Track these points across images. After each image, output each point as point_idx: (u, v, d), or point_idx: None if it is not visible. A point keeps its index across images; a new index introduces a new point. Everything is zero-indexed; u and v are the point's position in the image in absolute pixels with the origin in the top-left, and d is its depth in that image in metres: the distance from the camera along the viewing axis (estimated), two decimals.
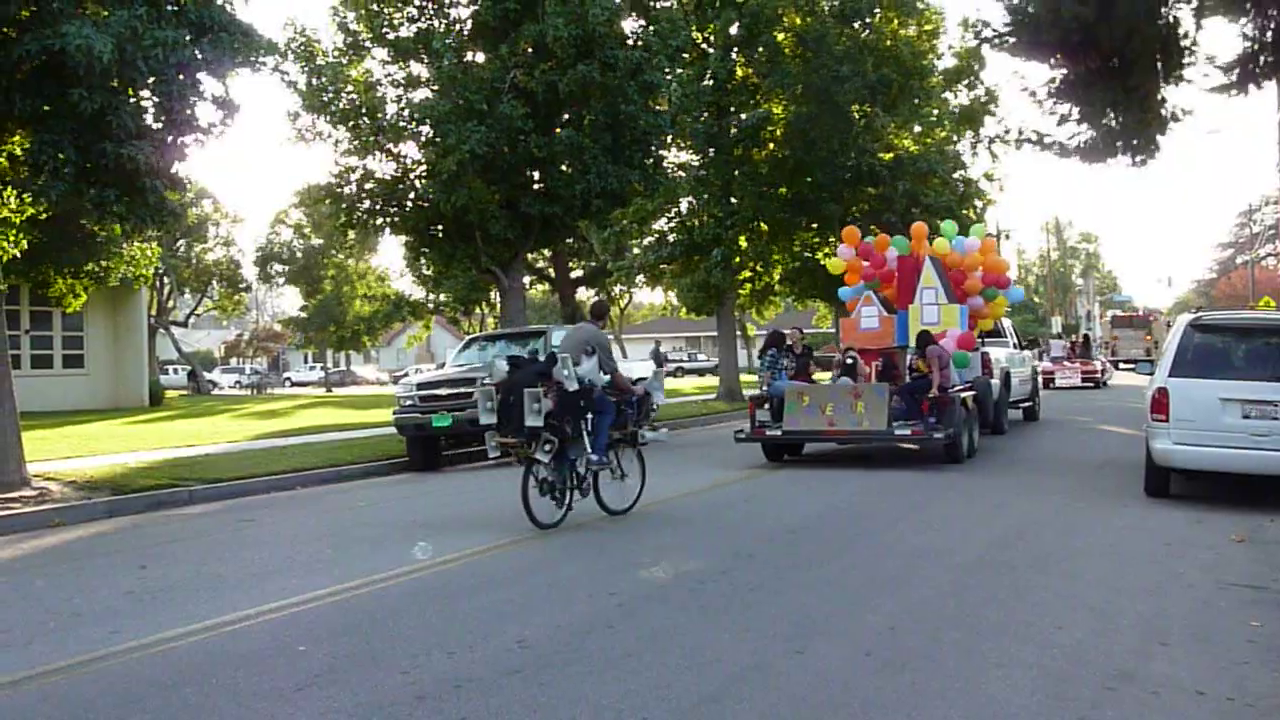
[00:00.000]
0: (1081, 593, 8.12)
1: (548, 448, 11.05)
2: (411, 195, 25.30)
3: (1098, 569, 8.95)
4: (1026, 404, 25.72)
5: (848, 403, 16.34)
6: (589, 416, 11.47)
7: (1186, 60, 28.28)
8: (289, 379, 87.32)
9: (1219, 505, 12.28)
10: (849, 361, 18.07)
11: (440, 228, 25.72)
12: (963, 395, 17.48)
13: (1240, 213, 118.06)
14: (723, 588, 8.35)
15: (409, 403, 19.41)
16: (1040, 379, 28.98)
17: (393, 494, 15.90)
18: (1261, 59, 29.07)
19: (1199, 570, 8.93)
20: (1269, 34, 28.66)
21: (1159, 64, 27.63)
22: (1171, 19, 27.87)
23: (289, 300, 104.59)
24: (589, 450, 11.50)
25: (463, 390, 18.87)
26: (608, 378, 11.89)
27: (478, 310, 55.04)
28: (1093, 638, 6.85)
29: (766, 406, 18.06)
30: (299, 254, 66.70)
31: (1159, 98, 28.42)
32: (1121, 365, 56.49)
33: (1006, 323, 26.05)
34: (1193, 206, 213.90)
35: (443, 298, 39.34)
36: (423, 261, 28.59)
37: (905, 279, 19.88)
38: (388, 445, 20.92)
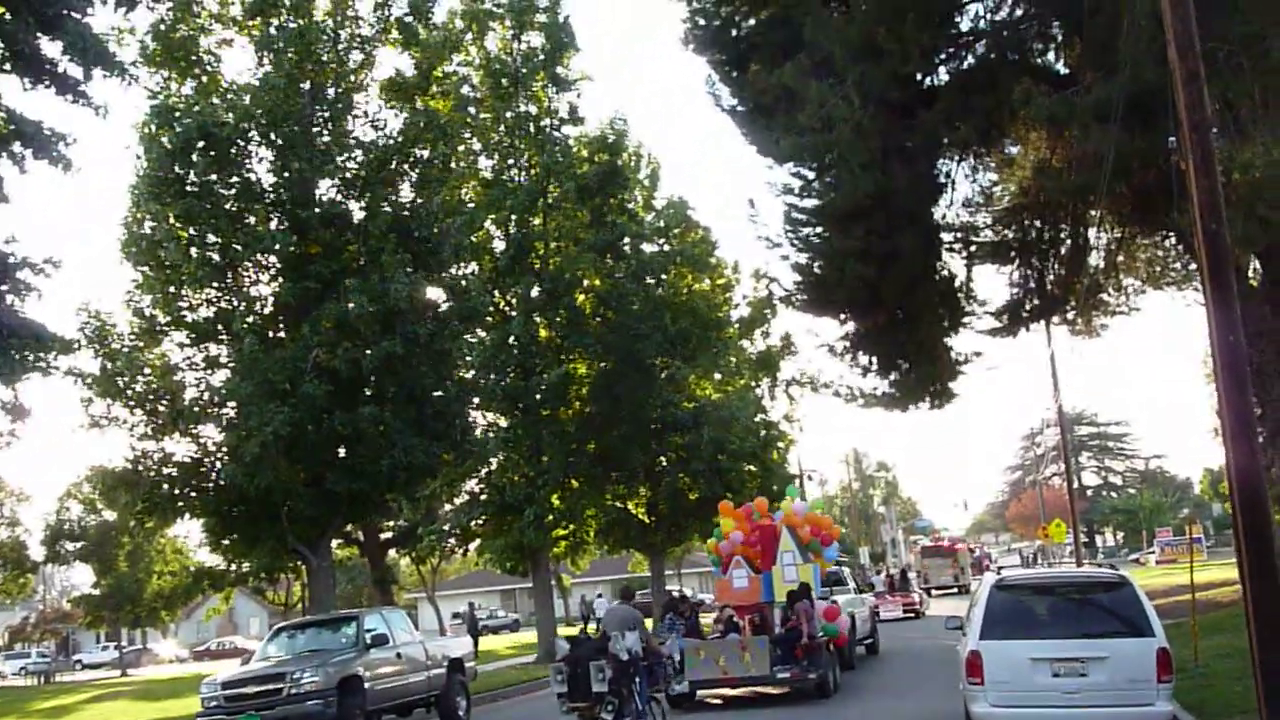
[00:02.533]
0: None
1: (610, 708, 13.81)
2: (213, 477, 24.60)
3: None
4: (868, 640, 28.26)
5: (736, 654, 19.55)
6: (636, 680, 14.36)
7: (966, 309, 30.17)
8: (80, 661, 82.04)
9: None
10: (732, 618, 21.35)
11: (244, 508, 24.96)
12: (826, 640, 20.60)
13: (1024, 436, 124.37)
14: None
15: (214, 704, 18.38)
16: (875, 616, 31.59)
17: None
18: (1029, 304, 31.23)
19: None
20: (1033, 282, 30.89)
21: (941, 315, 29.38)
22: (947, 272, 29.81)
23: (80, 575, 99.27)
24: (638, 705, 14.32)
25: (271, 687, 18.03)
26: (643, 645, 14.83)
27: (283, 578, 53.00)
28: None
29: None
30: (91, 530, 63.65)
31: (945, 345, 30.11)
32: (934, 592, 58.49)
33: (846, 570, 30.66)
34: (983, 433, 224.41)
35: (245, 567, 37.84)
36: (225, 543, 27.64)
37: (766, 545, 22.84)
38: None
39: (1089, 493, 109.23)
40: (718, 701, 21.05)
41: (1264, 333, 24.23)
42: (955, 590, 61.30)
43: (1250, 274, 25.93)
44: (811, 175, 27.49)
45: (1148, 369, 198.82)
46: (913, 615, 45.46)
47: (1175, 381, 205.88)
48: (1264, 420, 24.03)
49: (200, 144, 23.89)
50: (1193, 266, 28.77)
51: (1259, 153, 20.87)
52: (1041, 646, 12.42)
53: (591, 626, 16.42)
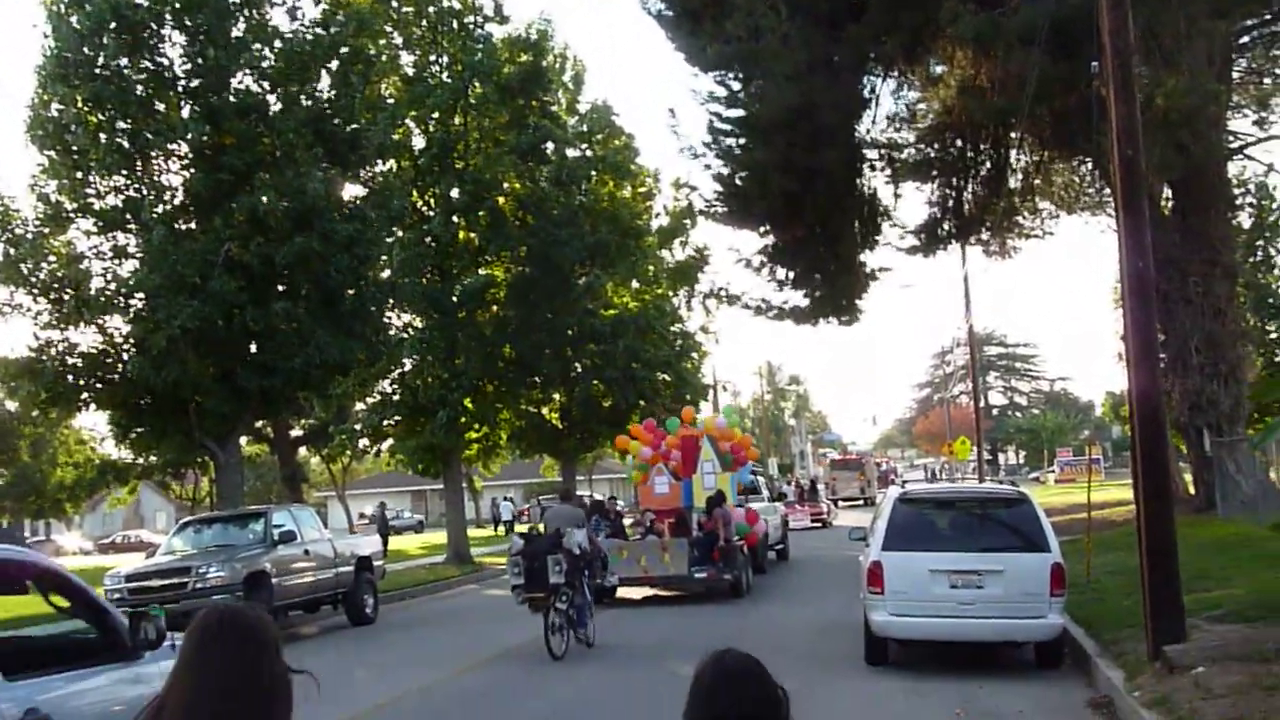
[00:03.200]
0: None
1: (565, 598, 15.13)
2: (119, 369, 24.14)
3: None
4: (779, 546, 29.47)
5: (657, 554, 21.06)
6: (585, 573, 15.93)
7: (884, 225, 30.40)
8: None
9: (935, 672, 12.79)
10: (654, 522, 23.10)
11: (150, 401, 24.59)
12: (740, 544, 22.03)
13: (935, 355, 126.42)
14: None
15: (117, 596, 18.20)
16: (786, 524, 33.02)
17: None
18: (946, 224, 31.55)
19: None
20: (951, 201, 31.17)
21: (860, 231, 29.57)
22: (868, 188, 29.95)
23: None
24: (586, 595, 15.97)
25: (176, 581, 17.92)
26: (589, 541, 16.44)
27: (191, 472, 52.43)
28: None
29: None
30: None
31: (860, 260, 30.36)
32: (840, 503, 60.09)
33: (760, 480, 32.36)
34: (894, 350, 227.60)
35: (152, 460, 37.39)
36: (131, 436, 27.23)
37: (688, 454, 24.30)
38: None
39: (995, 412, 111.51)
40: (637, 598, 22.25)
41: (1172, 260, 24.75)
42: (861, 502, 62.93)
43: (1163, 202, 26.42)
44: (737, 85, 27.36)
45: (1057, 292, 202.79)
46: (820, 525, 46.87)
47: (1083, 306, 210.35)
48: (1166, 346, 24.64)
49: (112, 26, 23.06)
50: (1107, 192, 29.22)
51: (1185, 80, 21.11)
52: (941, 559, 12.70)
53: (541, 526, 18.07)
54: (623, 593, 21.81)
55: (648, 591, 22.58)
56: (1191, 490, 27.77)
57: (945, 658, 13.25)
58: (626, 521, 26.39)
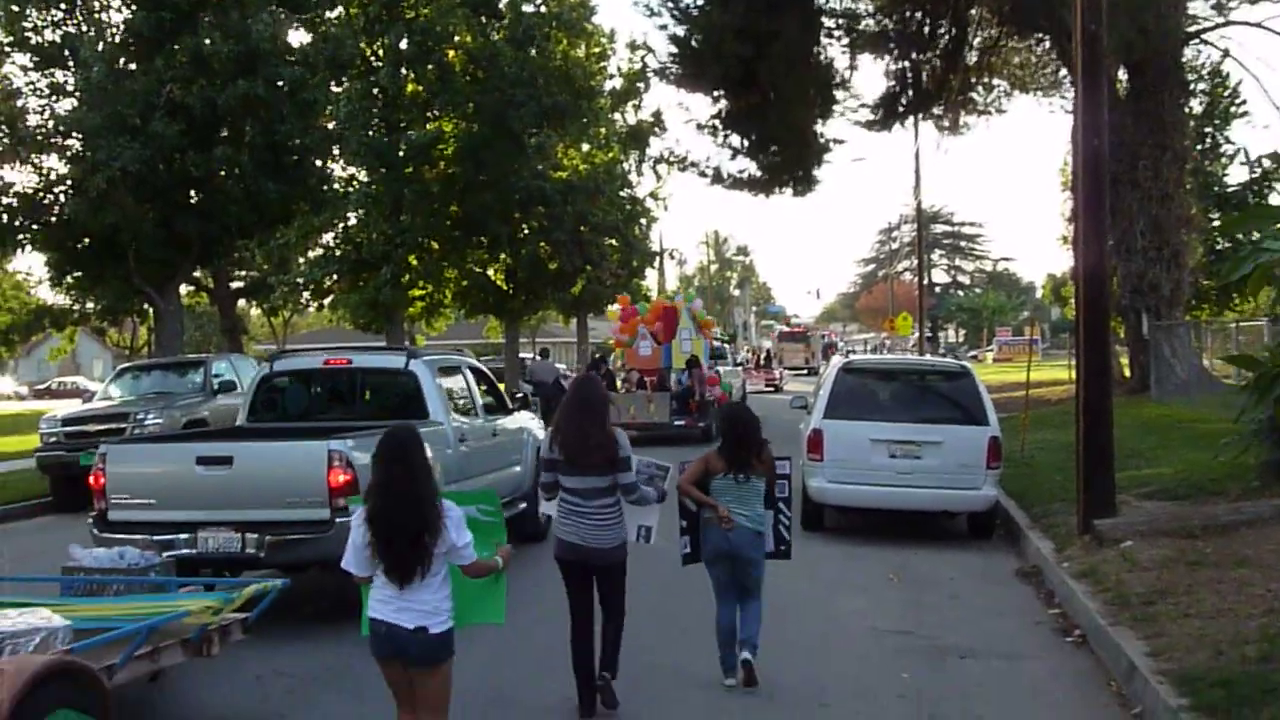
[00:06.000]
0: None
1: None
2: (56, 210, 23.54)
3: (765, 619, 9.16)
4: None
5: (644, 405, 25.32)
6: None
7: (839, 96, 30.11)
8: None
9: (869, 539, 13.01)
10: (640, 378, 26.97)
11: (88, 244, 24.08)
12: (711, 398, 25.79)
13: (881, 230, 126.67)
14: None
15: (54, 440, 18.05)
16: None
17: (38, 545, 14.73)
18: (904, 98, 31.32)
19: (856, 616, 9.45)
20: (909, 75, 30.88)
21: (815, 100, 29.28)
22: (824, 58, 29.59)
23: None
24: None
25: (114, 426, 17.72)
26: None
27: (129, 320, 51.70)
28: (760, 704, 7.12)
29: None
30: None
31: (815, 131, 30.12)
32: (787, 371, 63.63)
33: (727, 348, 38.11)
34: (840, 223, 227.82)
35: (90, 306, 36.80)
36: (68, 280, 26.81)
37: (668, 322, 28.20)
38: (29, 483, 19.34)
39: (937, 289, 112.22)
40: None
41: (1123, 143, 24.76)
42: (805, 372, 65.85)
43: (1118, 83, 26.34)
44: None
45: (1005, 173, 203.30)
46: (773, 390, 50.21)
47: (1031, 188, 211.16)
48: (1112, 229, 24.78)
49: None
50: (1062, 73, 29.09)
51: None
52: (881, 428, 12.86)
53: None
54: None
55: (633, 434, 24.91)
56: (1127, 373, 28.22)
57: (879, 527, 13.46)
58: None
